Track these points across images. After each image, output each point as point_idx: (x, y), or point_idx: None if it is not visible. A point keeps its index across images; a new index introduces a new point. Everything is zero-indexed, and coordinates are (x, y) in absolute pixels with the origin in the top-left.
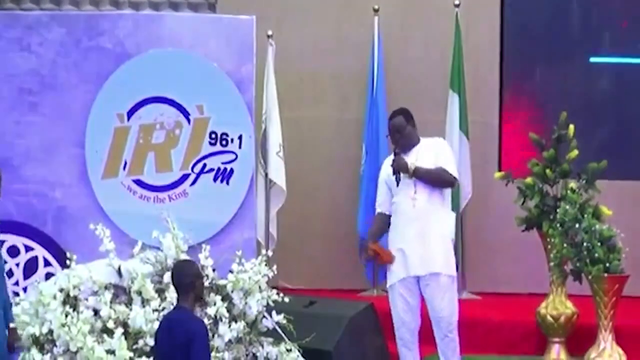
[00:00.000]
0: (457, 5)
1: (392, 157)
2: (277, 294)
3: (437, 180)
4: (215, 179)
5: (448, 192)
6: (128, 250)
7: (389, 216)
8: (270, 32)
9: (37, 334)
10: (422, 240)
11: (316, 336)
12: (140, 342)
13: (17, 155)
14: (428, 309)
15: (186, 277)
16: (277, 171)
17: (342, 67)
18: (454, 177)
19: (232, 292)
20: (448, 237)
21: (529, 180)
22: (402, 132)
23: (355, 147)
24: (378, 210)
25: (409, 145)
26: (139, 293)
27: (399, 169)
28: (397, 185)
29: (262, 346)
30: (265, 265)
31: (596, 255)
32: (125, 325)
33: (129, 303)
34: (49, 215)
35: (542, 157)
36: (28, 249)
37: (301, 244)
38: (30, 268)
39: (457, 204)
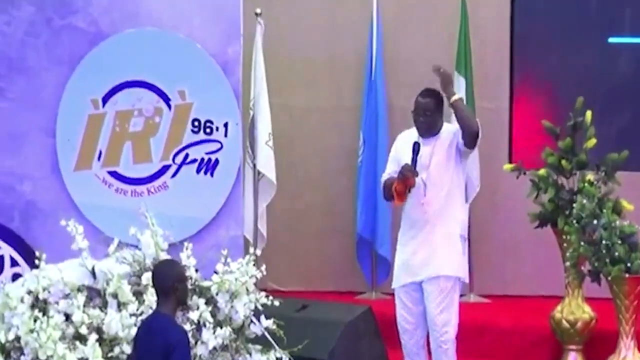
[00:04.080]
0: None
1: (408, 132)
2: (267, 296)
3: (466, 119)
4: (198, 171)
5: (462, 181)
6: (103, 248)
7: None
8: (258, 10)
9: (3, 340)
10: (428, 243)
11: (309, 343)
12: (116, 350)
13: None
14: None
15: (167, 280)
16: (267, 162)
17: (338, 48)
18: (478, 128)
19: (216, 294)
20: (455, 234)
21: (542, 172)
22: (428, 117)
23: (351, 136)
24: (384, 178)
25: (430, 133)
26: (115, 296)
27: (445, 80)
28: (414, 166)
29: (250, 354)
30: (254, 265)
31: (616, 254)
32: (99, 331)
33: (103, 307)
34: (17, 210)
35: (556, 147)
36: None
37: (293, 242)
38: None
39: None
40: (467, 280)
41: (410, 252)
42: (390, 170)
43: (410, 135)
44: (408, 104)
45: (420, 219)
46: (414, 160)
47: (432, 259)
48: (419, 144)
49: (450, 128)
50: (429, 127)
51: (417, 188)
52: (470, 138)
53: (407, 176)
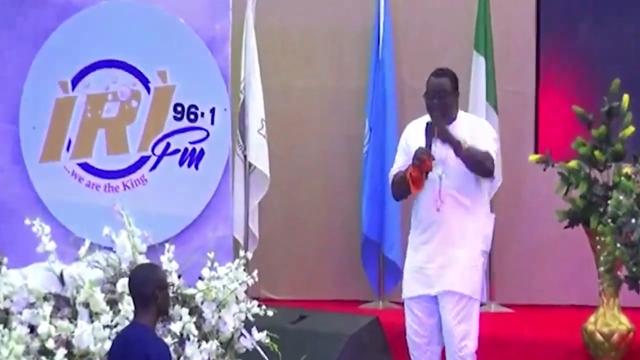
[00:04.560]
0: None
1: (419, 121)
2: (259, 306)
3: (479, 166)
4: (181, 163)
5: (487, 184)
6: (73, 251)
7: None
8: None
9: None
10: (444, 251)
11: (308, 358)
12: None
13: None
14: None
15: (146, 287)
16: (259, 153)
17: (340, 22)
18: (493, 164)
19: (202, 303)
20: (475, 249)
21: (573, 164)
22: (444, 99)
23: (356, 122)
24: (393, 173)
25: (447, 119)
26: (86, 305)
27: (445, 137)
28: (430, 149)
29: None
30: (244, 270)
31: None
32: (68, 345)
33: (73, 317)
34: None
35: (589, 136)
36: None
37: (289, 244)
38: None
39: None
40: (484, 300)
41: (422, 260)
42: (400, 164)
43: (421, 124)
44: (421, 84)
45: (434, 220)
46: (429, 142)
47: (448, 270)
48: (432, 125)
49: (471, 120)
50: (444, 111)
51: (431, 183)
52: (482, 175)
53: (422, 159)
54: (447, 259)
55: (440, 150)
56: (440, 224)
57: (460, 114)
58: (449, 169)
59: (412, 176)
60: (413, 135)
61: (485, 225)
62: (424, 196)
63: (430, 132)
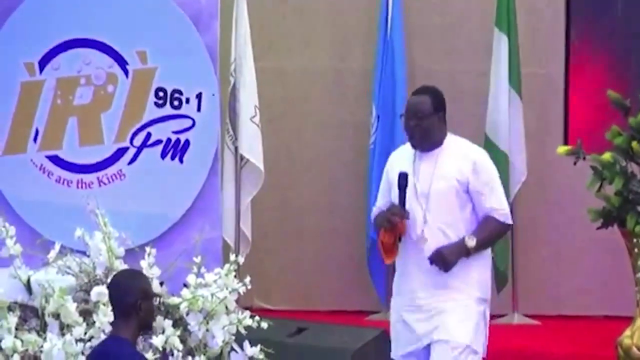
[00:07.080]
0: None
1: (403, 149)
2: (252, 317)
3: (496, 241)
4: (164, 155)
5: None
6: (41, 255)
7: None
8: None
9: None
10: (430, 303)
11: None
12: None
13: None
14: None
15: (129, 297)
16: (252, 144)
17: None
18: (508, 223)
19: (187, 314)
20: (470, 300)
21: (607, 156)
22: (421, 121)
23: (361, 109)
24: (374, 214)
25: (428, 144)
26: (57, 316)
27: (450, 261)
28: (404, 205)
29: None
30: (235, 276)
31: None
32: None
33: (42, 330)
34: None
35: (626, 124)
36: None
37: (285, 247)
38: None
39: (506, 191)
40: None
41: (407, 314)
42: (381, 202)
43: (405, 152)
44: (434, 66)
45: (418, 263)
46: (402, 197)
47: (438, 323)
48: (406, 176)
49: (461, 148)
50: (423, 136)
51: (413, 221)
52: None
53: (394, 222)
54: (433, 311)
55: (424, 181)
56: (425, 268)
57: (449, 139)
58: (433, 203)
59: (384, 243)
60: (395, 166)
61: (481, 268)
62: (407, 235)
63: (404, 183)
